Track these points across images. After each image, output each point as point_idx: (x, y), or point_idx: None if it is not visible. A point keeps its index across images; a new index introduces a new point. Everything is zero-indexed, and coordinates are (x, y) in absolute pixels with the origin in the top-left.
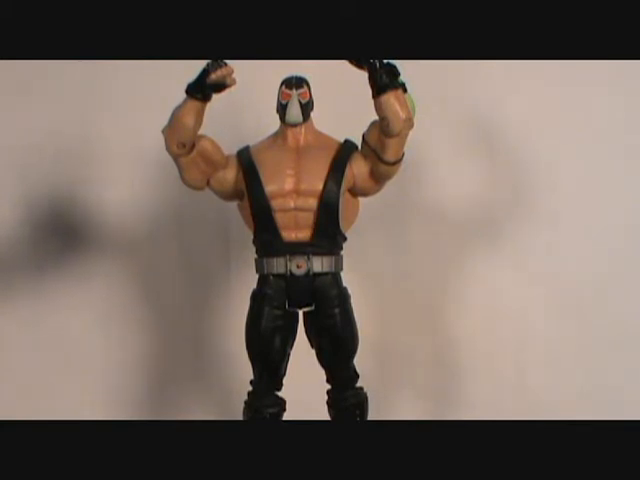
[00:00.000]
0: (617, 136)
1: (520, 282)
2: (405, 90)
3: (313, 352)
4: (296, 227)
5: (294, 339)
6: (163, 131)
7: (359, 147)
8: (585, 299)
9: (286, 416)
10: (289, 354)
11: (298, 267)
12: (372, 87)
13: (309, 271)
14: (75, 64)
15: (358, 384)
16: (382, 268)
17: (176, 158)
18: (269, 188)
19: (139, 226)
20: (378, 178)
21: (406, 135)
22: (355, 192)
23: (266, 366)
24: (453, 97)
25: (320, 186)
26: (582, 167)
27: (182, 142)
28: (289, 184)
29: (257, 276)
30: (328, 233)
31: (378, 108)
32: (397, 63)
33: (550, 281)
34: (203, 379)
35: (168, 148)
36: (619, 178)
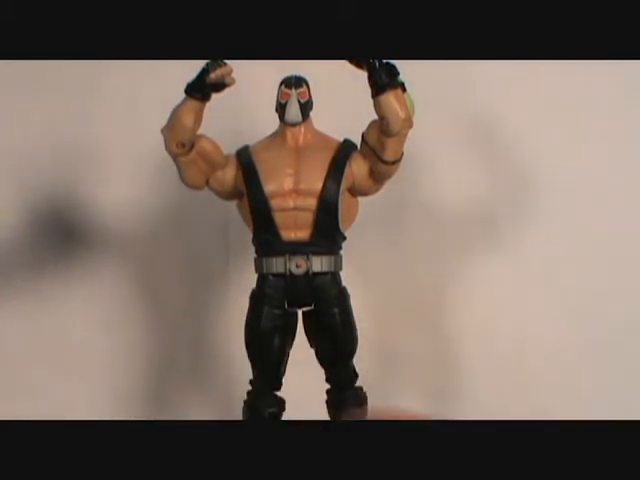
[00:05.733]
0: (618, 136)
1: (520, 282)
2: (404, 89)
3: (313, 352)
4: (295, 227)
5: (293, 339)
6: (162, 131)
7: (358, 147)
8: (586, 299)
9: (286, 416)
10: (288, 354)
11: (297, 267)
12: (371, 87)
13: (308, 271)
14: (75, 64)
15: (357, 384)
16: (382, 268)
17: (175, 158)
18: (268, 188)
19: (138, 226)
20: (377, 177)
21: (405, 135)
22: (354, 192)
23: (265, 366)
24: (453, 97)
25: (319, 186)
26: (583, 167)
27: (181, 142)
28: (288, 183)
29: (256, 276)
30: (327, 233)
31: (377, 107)
32: (397, 63)
33: (551, 281)
34: (202, 378)
35: (167, 148)
36: (620, 178)
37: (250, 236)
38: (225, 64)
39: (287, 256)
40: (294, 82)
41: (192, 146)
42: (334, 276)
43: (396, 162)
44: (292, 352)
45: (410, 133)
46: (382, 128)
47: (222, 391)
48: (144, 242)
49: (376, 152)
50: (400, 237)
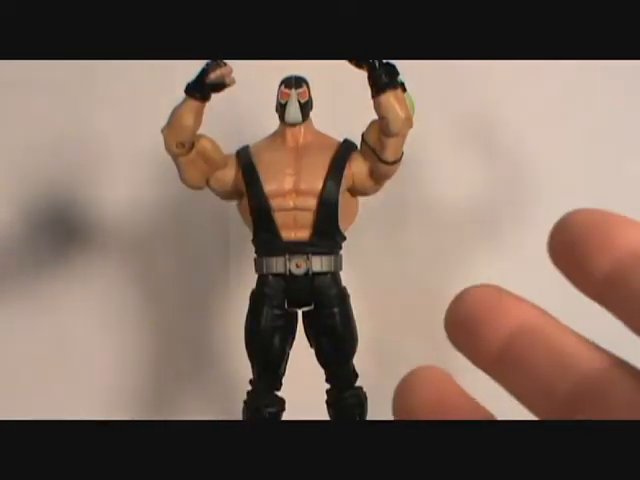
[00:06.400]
0: (619, 137)
1: (522, 282)
2: (404, 89)
3: (312, 352)
4: (295, 226)
5: (293, 338)
6: (162, 131)
7: (358, 147)
8: (588, 299)
9: (286, 416)
10: (288, 353)
11: (297, 266)
12: (371, 87)
13: (308, 270)
14: (74, 64)
15: (357, 384)
16: (381, 267)
17: (175, 157)
18: (268, 187)
19: (138, 226)
20: (377, 177)
21: (405, 135)
22: (354, 191)
23: (265, 366)
24: (453, 97)
25: (320, 186)
26: (583, 167)
27: (181, 142)
28: (289, 183)
29: (256, 276)
30: (327, 232)
31: (377, 108)
32: (397, 63)
33: (553, 281)
34: (202, 378)
35: (167, 148)
36: (621, 178)
37: (250, 236)
38: (225, 64)
39: (287, 256)
40: (294, 82)
41: (192, 146)
42: (334, 276)
43: (396, 162)
44: (292, 352)
45: (410, 133)
46: (382, 128)
47: (222, 391)
48: (143, 242)
49: (376, 152)
50: (399, 237)
